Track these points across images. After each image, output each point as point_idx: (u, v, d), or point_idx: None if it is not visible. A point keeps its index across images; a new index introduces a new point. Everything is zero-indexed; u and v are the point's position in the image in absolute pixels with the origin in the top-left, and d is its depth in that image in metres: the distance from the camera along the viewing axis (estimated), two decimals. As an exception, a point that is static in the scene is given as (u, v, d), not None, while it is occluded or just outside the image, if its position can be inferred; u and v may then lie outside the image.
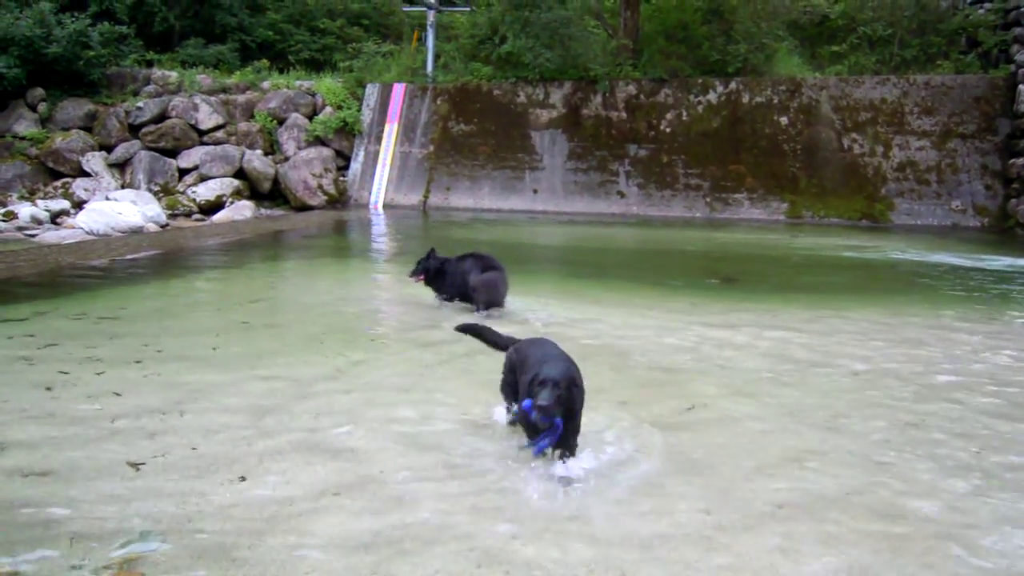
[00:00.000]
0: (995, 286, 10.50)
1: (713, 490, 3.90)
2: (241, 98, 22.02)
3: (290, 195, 20.35)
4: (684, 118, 20.49)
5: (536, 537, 3.36)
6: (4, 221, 15.49)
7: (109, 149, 20.38)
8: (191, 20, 25.39)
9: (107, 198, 17.18)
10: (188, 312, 8.16)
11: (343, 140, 21.68)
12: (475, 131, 21.43)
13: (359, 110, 21.89)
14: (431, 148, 21.49)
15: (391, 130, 21.67)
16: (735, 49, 20.65)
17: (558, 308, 8.27)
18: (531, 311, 7.94)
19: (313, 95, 22.15)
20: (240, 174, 20.23)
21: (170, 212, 17.91)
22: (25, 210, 16.21)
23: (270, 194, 20.49)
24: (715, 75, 20.77)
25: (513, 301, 8.07)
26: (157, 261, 11.74)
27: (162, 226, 16.24)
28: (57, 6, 20.75)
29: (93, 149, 20.12)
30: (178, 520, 3.43)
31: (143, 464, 4.01)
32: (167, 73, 22.44)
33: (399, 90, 22.01)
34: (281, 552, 3.20)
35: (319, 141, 21.40)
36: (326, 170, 20.86)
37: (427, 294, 8.32)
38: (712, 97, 20.44)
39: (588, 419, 4.67)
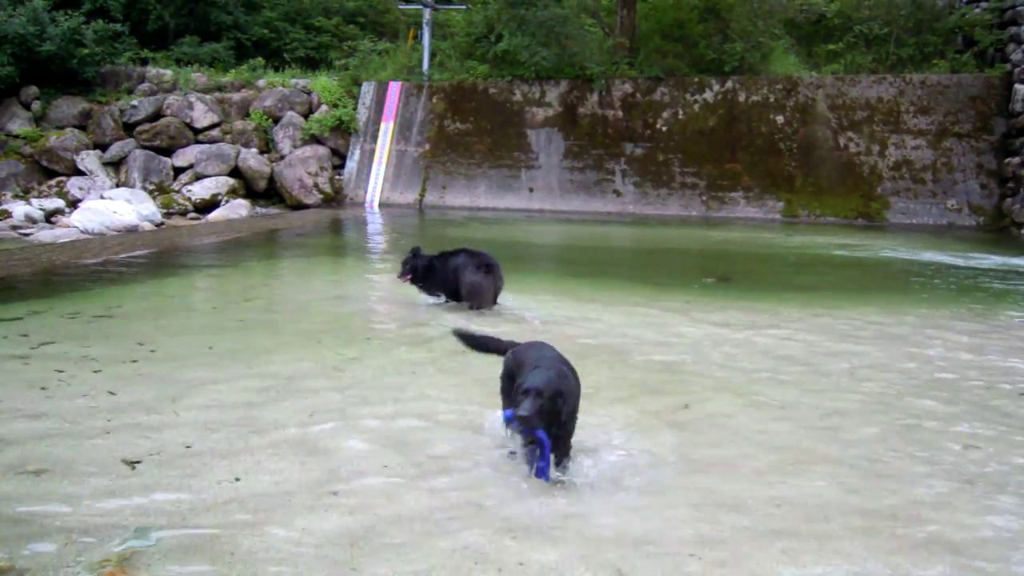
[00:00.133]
0: (987, 284, 10.52)
1: (710, 488, 3.90)
2: (236, 96, 21.97)
3: (286, 194, 20.31)
4: (680, 117, 20.49)
5: (531, 535, 3.35)
6: (-2, 220, 15.46)
7: (104, 148, 20.32)
8: (186, 18, 25.33)
9: (102, 197, 17.13)
10: (183, 311, 8.15)
11: (339, 138, 21.64)
12: (471, 129, 21.41)
13: (355, 108, 21.85)
14: (427, 147, 21.46)
15: (387, 128, 21.64)
16: (731, 48, 20.66)
17: (555, 306, 8.26)
18: (528, 309, 7.93)
19: (309, 93, 22.11)
20: (235, 173, 20.19)
21: (165, 211, 17.86)
22: (19, 209, 16.16)
23: (265, 193, 20.45)
24: (711, 74, 20.78)
25: (510, 299, 8.06)
26: (152, 260, 11.71)
27: (157, 225, 16.20)
28: (50, 4, 20.68)
29: (88, 148, 20.06)
30: (173, 517, 3.42)
31: (138, 462, 3.99)
32: (162, 71, 22.38)
33: (395, 88, 21.98)
34: (277, 549, 3.19)
35: (315, 139, 21.36)
36: (322, 168, 20.82)
37: (419, 293, 8.18)
38: (708, 96, 20.44)
39: (584, 418, 4.67)
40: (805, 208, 19.26)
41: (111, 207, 15.43)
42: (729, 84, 20.38)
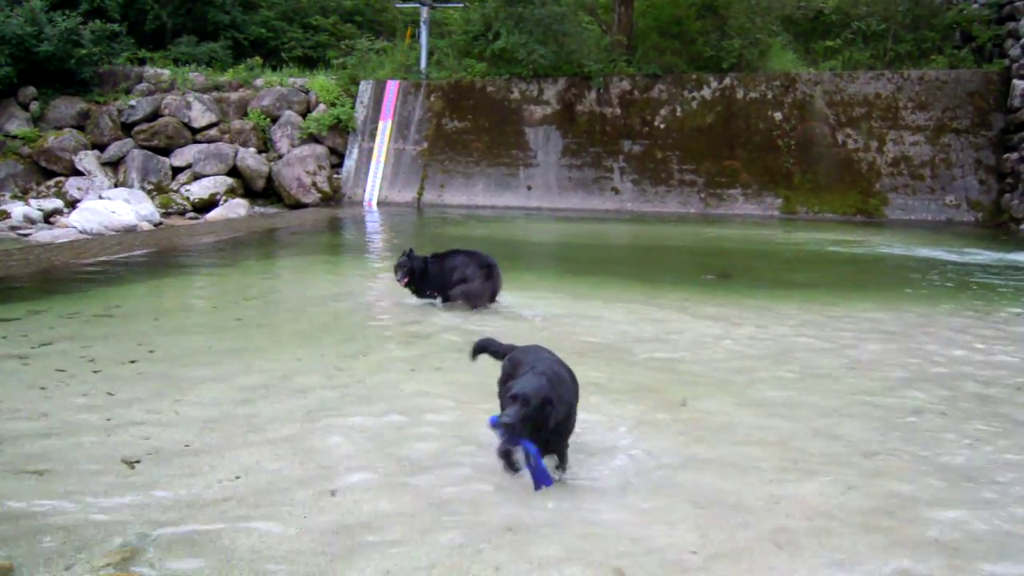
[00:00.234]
0: (986, 280, 10.53)
1: (709, 486, 3.90)
2: (234, 96, 21.96)
3: (284, 193, 20.31)
4: (678, 114, 20.49)
5: (530, 534, 3.36)
6: (-3, 220, 15.45)
7: (102, 148, 20.32)
8: (183, 18, 25.31)
9: (100, 197, 17.13)
10: (182, 310, 8.15)
11: (337, 137, 21.63)
12: (469, 128, 21.41)
13: (353, 107, 21.85)
14: (425, 145, 21.46)
15: (385, 127, 21.63)
16: (729, 44, 20.67)
17: (554, 304, 8.26)
18: (528, 308, 7.93)
19: (306, 92, 22.10)
20: (234, 172, 20.19)
21: (163, 211, 17.86)
22: (18, 209, 16.16)
23: (264, 192, 20.45)
24: (709, 71, 20.78)
25: (509, 297, 8.06)
26: (151, 260, 11.71)
27: (155, 225, 16.20)
28: (48, 4, 20.66)
29: (86, 148, 20.06)
30: (173, 515, 3.42)
31: (137, 461, 4.00)
32: (160, 71, 22.37)
33: (393, 87, 21.97)
34: (276, 547, 3.19)
35: (313, 138, 21.36)
36: (320, 167, 20.82)
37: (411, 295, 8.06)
38: (706, 93, 20.44)
39: (583, 416, 4.67)
40: (803, 205, 19.27)
41: (109, 207, 15.43)
42: (727, 81, 20.38)
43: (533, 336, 6.40)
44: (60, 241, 13.37)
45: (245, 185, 20.19)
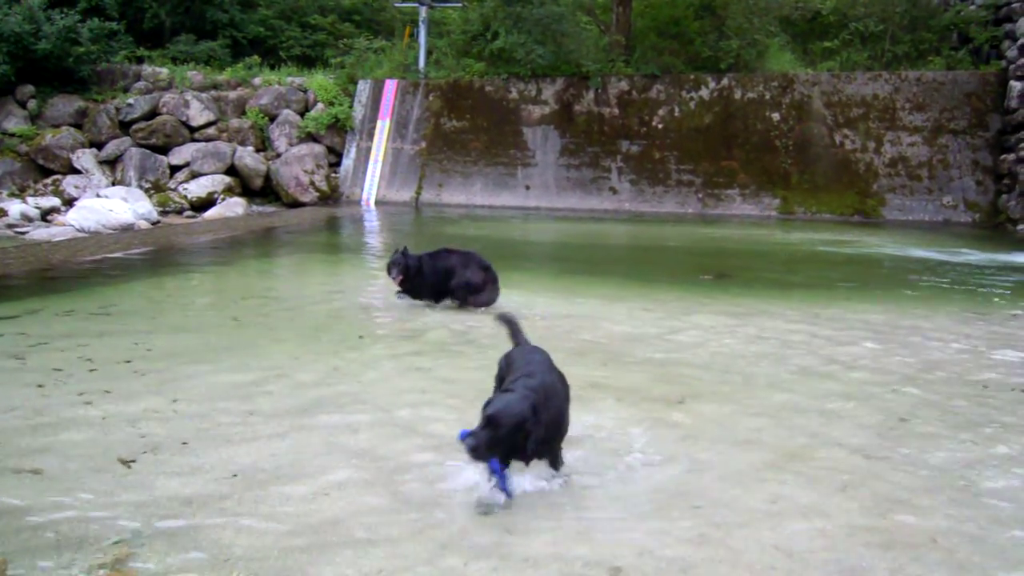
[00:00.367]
0: (983, 280, 10.56)
1: (707, 487, 3.91)
2: (232, 95, 21.94)
3: (282, 192, 20.30)
4: (676, 114, 20.50)
5: (529, 533, 3.36)
6: (-6, 218, 15.43)
7: (100, 146, 20.28)
8: (182, 16, 25.27)
9: (98, 195, 17.09)
10: (179, 309, 8.14)
11: (335, 136, 21.63)
12: (467, 127, 21.41)
13: (351, 106, 21.84)
14: (423, 144, 21.45)
15: (383, 126, 21.63)
16: (727, 45, 20.68)
17: (552, 304, 8.27)
18: (526, 307, 7.94)
19: (305, 91, 22.09)
20: (231, 171, 20.17)
21: (161, 209, 17.83)
22: (15, 207, 16.14)
23: (262, 191, 20.44)
24: (707, 71, 20.79)
25: (508, 297, 8.06)
26: (148, 258, 11.70)
27: (153, 223, 16.18)
28: (46, 2, 20.61)
29: (83, 146, 20.02)
30: (170, 517, 3.42)
31: (134, 461, 4.00)
32: (158, 69, 22.33)
33: (391, 86, 21.96)
34: (274, 547, 3.20)
35: (311, 137, 21.34)
36: (318, 166, 20.81)
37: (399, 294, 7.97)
38: (704, 93, 20.46)
39: (582, 416, 4.68)
40: (801, 205, 19.29)
41: (107, 205, 15.41)
42: (725, 81, 20.40)
43: (532, 335, 6.40)
44: (57, 239, 13.36)
45: (243, 184, 20.17)
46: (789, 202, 19.38)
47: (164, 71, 22.25)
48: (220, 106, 21.51)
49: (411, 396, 5.13)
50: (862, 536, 3.41)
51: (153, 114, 20.74)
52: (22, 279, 9.47)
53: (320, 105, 21.72)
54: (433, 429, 4.55)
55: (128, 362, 5.73)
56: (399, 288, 7.82)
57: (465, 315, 7.62)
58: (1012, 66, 18.40)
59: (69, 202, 17.41)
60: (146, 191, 18.68)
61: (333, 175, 21.29)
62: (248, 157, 20.23)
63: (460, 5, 23.96)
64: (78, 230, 14.35)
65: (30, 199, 17.33)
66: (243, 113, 21.53)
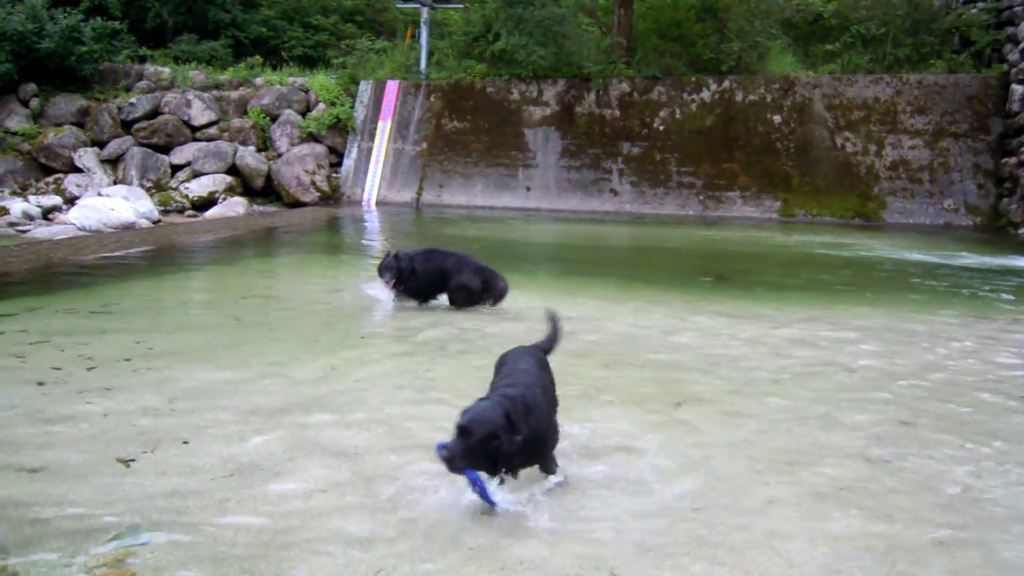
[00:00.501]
0: (984, 284, 10.55)
1: (705, 487, 3.90)
2: (234, 94, 21.96)
3: (283, 191, 20.31)
4: (677, 116, 20.50)
5: (526, 535, 3.36)
6: (-5, 217, 15.44)
7: (101, 145, 20.31)
8: (184, 16, 25.30)
9: (99, 194, 17.11)
10: (180, 308, 8.15)
11: (336, 137, 21.64)
12: (468, 128, 21.42)
13: (352, 107, 21.86)
14: (424, 145, 21.46)
15: (384, 127, 21.64)
16: (729, 47, 20.69)
17: (552, 305, 8.23)
18: (527, 308, 7.94)
19: (306, 91, 22.11)
20: (233, 170, 20.19)
21: (162, 208, 17.85)
22: (17, 206, 16.16)
23: (263, 190, 20.45)
24: (708, 73, 20.80)
25: (508, 298, 8.06)
26: (149, 257, 11.71)
27: (154, 222, 16.19)
28: (49, 1, 20.65)
29: (85, 145, 20.05)
30: (169, 516, 3.42)
31: (133, 460, 4.00)
32: (160, 69, 22.36)
33: (392, 87, 21.98)
34: (273, 547, 3.20)
35: (312, 137, 21.36)
36: (319, 166, 20.83)
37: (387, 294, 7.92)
38: (706, 95, 20.46)
39: (581, 416, 4.69)
40: (802, 208, 19.29)
41: (108, 204, 15.43)
42: (726, 84, 20.40)
43: (533, 336, 6.40)
44: (58, 238, 13.38)
45: (244, 183, 20.19)
46: (790, 205, 19.38)
47: (166, 71, 22.27)
48: (222, 106, 21.53)
49: (411, 396, 5.13)
50: (862, 541, 3.41)
51: (155, 113, 20.77)
52: (23, 277, 9.48)
53: (321, 105, 21.74)
54: (431, 429, 4.55)
55: (128, 360, 5.74)
56: (392, 292, 7.77)
57: (465, 315, 7.62)
58: (1014, 70, 18.40)
59: (70, 201, 17.44)
60: (147, 190, 18.70)
61: (334, 175, 21.30)
62: (249, 157, 20.24)
63: (462, 6, 23.98)
64: (79, 229, 14.36)
65: (32, 197, 17.36)
66: (245, 113, 21.55)
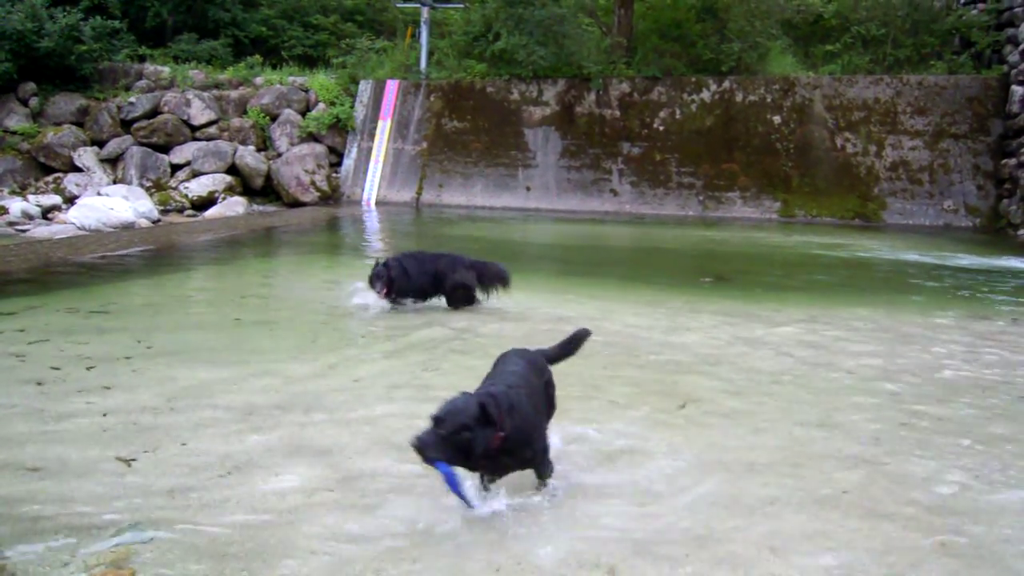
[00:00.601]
0: (984, 285, 10.55)
1: (705, 488, 3.90)
2: (234, 94, 21.95)
3: (282, 191, 20.30)
4: (677, 116, 20.50)
5: (528, 535, 3.36)
6: (-6, 216, 15.43)
7: (101, 144, 20.29)
8: (184, 15, 25.30)
9: (99, 193, 17.11)
10: (179, 308, 8.14)
11: (336, 136, 21.63)
12: (468, 128, 21.41)
13: (352, 106, 21.84)
14: (424, 145, 21.46)
15: (384, 127, 21.63)
16: (729, 48, 20.66)
17: (552, 305, 8.27)
18: (528, 308, 7.95)
19: (306, 91, 22.10)
20: (232, 170, 20.17)
21: (162, 208, 17.84)
22: (16, 205, 16.14)
23: (262, 190, 20.44)
24: (709, 74, 20.79)
25: (508, 299, 8.06)
26: (148, 257, 11.71)
27: (154, 222, 16.19)
28: (49, 0, 20.64)
29: (85, 144, 20.03)
30: (168, 515, 3.42)
31: (133, 460, 4.00)
32: (159, 68, 22.35)
33: (392, 87, 21.97)
34: (272, 547, 3.20)
35: (312, 137, 21.35)
36: (319, 166, 20.81)
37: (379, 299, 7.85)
38: (706, 95, 20.46)
39: (581, 416, 4.69)
40: (802, 208, 19.28)
41: (108, 204, 15.42)
42: (726, 84, 20.40)
43: (533, 337, 6.40)
44: (58, 237, 13.37)
45: (244, 183, 20.18)
46: (790, 205, 19.38)
47: (166, 70, 22.26)
48: (221, 105, 21.52)
49: (409, 395, 5.13)
50: (861, 541, 3.41)
51: (154, 113, 20.75)
52: (23, 276, 9.47)
53: (321, 105, 21.73)
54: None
55: (128, 359, 5.74)
56: (386, 300, 7.72)
57: (463, 316, 7.62)
58: (1014, 71, 18.40)
59: (70, 200, 17.42)
60: (147, 190, 18.69)
61: (334, 175, 21.29)
62: (249, 156, 20.23)
63: (462, 6, 23.96)
64: (79, 228, 14.36)
65: (31, 197, 17.34)
66: (244, 112, 21.54)
